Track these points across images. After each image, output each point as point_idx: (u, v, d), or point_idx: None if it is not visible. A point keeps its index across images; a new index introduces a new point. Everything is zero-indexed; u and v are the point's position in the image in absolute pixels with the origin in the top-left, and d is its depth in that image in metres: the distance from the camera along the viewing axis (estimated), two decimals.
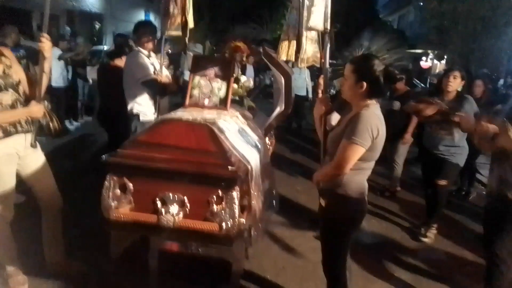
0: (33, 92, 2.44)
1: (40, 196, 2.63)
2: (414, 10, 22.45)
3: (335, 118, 2.37)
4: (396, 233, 3.99)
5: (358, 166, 2.04)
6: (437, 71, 17.31)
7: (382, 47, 6.83)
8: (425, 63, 19.23)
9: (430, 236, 3.82)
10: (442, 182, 3.71)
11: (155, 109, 3.79)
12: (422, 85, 8.47)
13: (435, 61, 19.54)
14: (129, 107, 3.69)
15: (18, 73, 2.41)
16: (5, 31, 4.79)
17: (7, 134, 2.32)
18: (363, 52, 3.08)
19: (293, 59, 2.90)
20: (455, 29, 13.25)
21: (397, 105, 4.50)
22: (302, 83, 7.70)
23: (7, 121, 2.31)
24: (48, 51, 2.39)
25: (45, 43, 2.35)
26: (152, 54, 3.84)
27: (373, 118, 2.00)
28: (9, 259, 2.55)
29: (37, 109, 2.39)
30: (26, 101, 2.41)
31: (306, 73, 7.70)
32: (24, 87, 2.43)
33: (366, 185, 2.20)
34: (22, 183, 2.55)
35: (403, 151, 4.85)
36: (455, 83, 3.58)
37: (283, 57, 2.96)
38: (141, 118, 3.66)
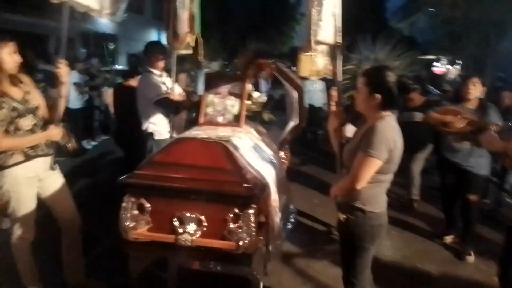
0: (51, 115, 2.50)
1: (60, 216, 2.67)
2: (425, 16, 22.32)
3: (349, 129, 2.36)
4: (418, 244, 3.89)
5: (375, 178, 2.01)
6: (450, 76, 17.07)
7: (391, 54, 6.72)
8: (438, 69, 19.00)
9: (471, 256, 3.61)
10: (474, 198, 3.54)
11: (170, 127, 3.83)
12: (437, 91, 8.36)
13: (449, 66, 19.32)
14: (143, 126, 3.74)
15: (36, 98, 2.47)
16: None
17: (28, 158, 2.39)
18: (372, 62, 3.07)
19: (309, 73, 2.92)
20: (467, 34, 13.12)
21: (418, 116, 4.34)
22: (317, 94, 7.64)
23: (28, 146, 2.38)
24: (65, 76, 2.44)
25: (62, 69, 2.40)
26: (164, 73, 3.89)
27: (389, 129, 1.98)
28: (30, 280, 2.59)
29: (56, 133, 2.45)
30: (45, 124, 2.47)
31: (320, 85, 7.64)
32: (42, 111, 2.49)
33: (385, 197, 2.16)
34: (42, 205, 2.59)
35: (420, 159, 4.75)
36: (475, 90, 3.46)
37: (302, 72, 2.98)
38: (156, 137, 3.70)
